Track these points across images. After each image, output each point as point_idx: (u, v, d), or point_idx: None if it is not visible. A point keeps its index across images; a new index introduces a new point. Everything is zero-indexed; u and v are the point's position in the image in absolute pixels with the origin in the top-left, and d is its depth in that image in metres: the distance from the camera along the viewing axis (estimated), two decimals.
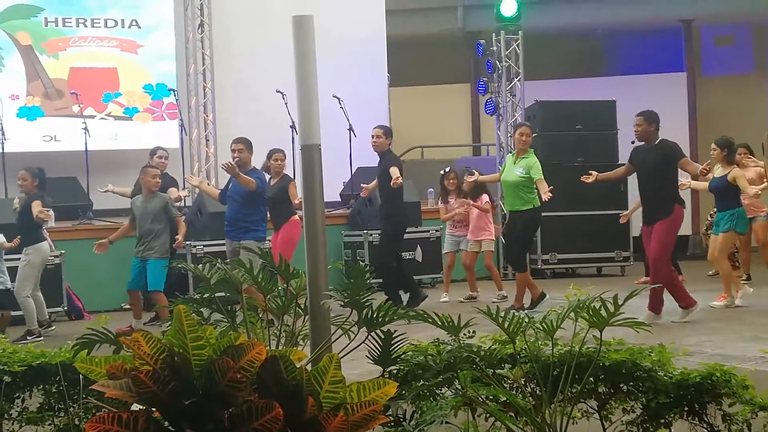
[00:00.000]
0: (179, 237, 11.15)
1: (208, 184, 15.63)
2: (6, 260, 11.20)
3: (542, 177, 11.30)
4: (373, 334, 4.13)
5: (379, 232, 12.89)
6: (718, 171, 11.59)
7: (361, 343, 4.14)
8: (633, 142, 10.58)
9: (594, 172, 11.02)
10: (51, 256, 11.75)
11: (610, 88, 18.24)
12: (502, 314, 4.03)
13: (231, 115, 16.58)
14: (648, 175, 10.29)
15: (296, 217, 11.73)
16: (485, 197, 12.96)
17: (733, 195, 11.64)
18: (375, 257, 13.19)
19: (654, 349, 4.35)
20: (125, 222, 11.58)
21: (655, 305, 10.23)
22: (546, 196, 10.99)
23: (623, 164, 14.35)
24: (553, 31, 20.54)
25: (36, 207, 11.08)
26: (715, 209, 11.97)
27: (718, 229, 11.62)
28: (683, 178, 11.26)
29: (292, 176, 12.19)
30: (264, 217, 11.35)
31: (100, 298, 12.84)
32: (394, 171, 11.60)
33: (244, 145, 11.27)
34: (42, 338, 10.70)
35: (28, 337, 10.68)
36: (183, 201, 13.80)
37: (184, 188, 13.79)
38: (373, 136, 11.89)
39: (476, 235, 12.99)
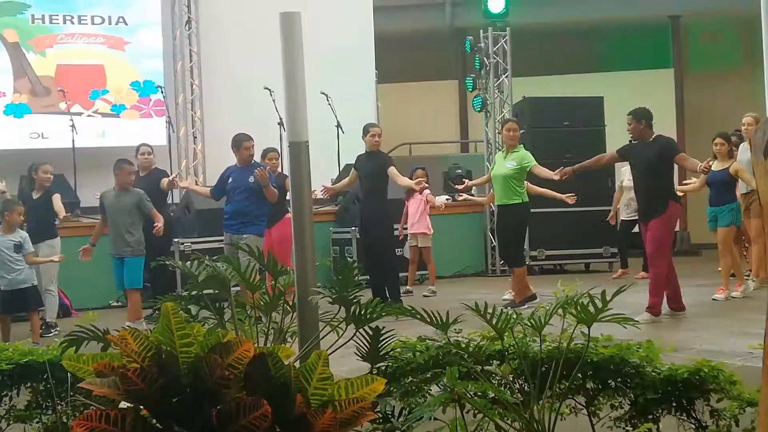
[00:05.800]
0: (158, 224, 10.93)
1: (197, 183, 15.65)
2: None
3: (537, 164, 11.35)
4: (361, 330, 4.12)
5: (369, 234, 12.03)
6: (716, 165, 11.58)
7: (349, 340, 4.13)
8: (630, 141, 10.57)
9: (567, 168, 10.91)
10: None
11: (598, 84, 18.30)
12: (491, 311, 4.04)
13: (218, 112, 16.57)
14: (643, 172, 10.27)
15: (289, 215, 11.69)
16: (426, 192, 13.45)
17: (733, 188, 11.69)
18: (382, 264, 11.77)
19: (642, 345, 4.35)
20: (99, 220, 11.49)
21: (676, 302, 10.32)
22: (561, 174, 10.91)
23: None
24: (541, 28, 20.58)
25: (58, 201, 11.28)
26: (710, 203, 11.89)
27: (717, 223, 11.64)
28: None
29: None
30: (266, 212, 11.35)
31: (87, 296, 12.81)
32: (393, 170, 11.58)
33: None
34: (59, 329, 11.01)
35: (52, 330, 10.99)
36: (171, 193, 13.67)
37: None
38: (374, 135, 11.72)
39: (414, 229, 13.58)
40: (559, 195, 11.90)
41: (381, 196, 11.78)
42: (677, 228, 18.66)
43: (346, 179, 12.41)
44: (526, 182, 11.62)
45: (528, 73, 18.66)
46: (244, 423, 3.03)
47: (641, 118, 10.27)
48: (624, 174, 14.28)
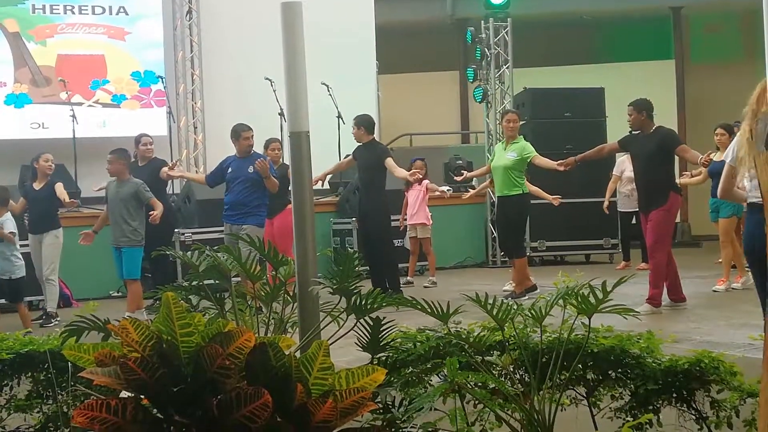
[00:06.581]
0: (155, 212, 10.84)
1: (197, 173, 15.64)
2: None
3: (537, 154, 11.34)
4: (361, 321, 4.12)
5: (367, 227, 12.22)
6: (718, 155, 11.56)
7: (349, 330, 4.13)
8: (631, 132, 10.56)
9: (570, 159, 10.93)
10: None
11: (599, 75, 18.28)
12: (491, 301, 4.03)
13: (219, 102, 16.56)
14: (644, 163, 10.24)
15: (291, 206, 11.69)
16: (425, 182, 13.45)
17: None
18: (380, 255, 11.90)
19: (642, 336, 4.35)
20: (104, 209, 11.49)
21: (676, 294, 10.31)
22: (564, 165, 10.89)
23: None
24: (542, 19, 20.56)
25: (60, 188, 11.27)
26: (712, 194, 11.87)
27: (719, 214, 11.62)
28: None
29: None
30: (266, 203, 11.35)
31: (88, 286, 12.81)
32: (390, 162, 11.59)
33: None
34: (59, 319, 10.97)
35: (52, 320, 10.96)
36: (172, 183, 13.69)
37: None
38: (353, 127, 11.94)
39: (413, 220, 13.57)
40: (546, 195, 11.96)
41: (378, 187, 11.80)
42: (678, 219, 18.71)
43: (343, 161, 12.53)
44: None
45: (529, 64, 18.65)
46: (244, 413, 3.03)
47: (642, 109, 10.25)
48: (621, 164, 14.26)
